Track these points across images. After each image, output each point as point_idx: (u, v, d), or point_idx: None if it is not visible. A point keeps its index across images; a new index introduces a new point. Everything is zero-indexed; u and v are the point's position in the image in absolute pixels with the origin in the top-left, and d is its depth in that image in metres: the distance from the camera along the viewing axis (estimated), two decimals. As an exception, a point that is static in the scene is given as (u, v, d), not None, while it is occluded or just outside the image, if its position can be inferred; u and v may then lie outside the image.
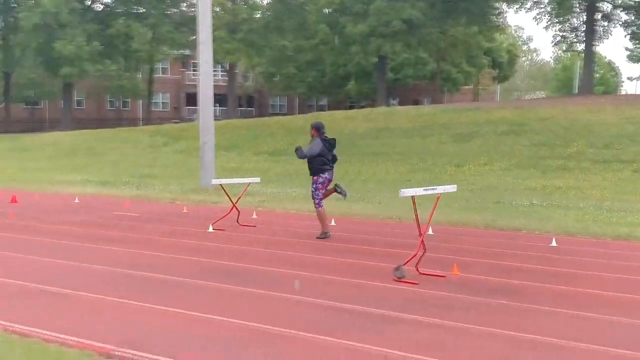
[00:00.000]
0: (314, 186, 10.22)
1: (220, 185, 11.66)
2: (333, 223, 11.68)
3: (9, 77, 52.27)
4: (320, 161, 10.12)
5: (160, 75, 60.18)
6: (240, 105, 59.57)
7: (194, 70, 64.99)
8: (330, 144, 10.23)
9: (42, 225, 11.44)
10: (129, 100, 62.39)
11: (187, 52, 55.78)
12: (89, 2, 50.91)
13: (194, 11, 51.58)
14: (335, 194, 10.50)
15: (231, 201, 11.56)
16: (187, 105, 64.39)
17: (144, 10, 49.30)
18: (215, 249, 9.25)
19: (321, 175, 10.16)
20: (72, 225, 11.51)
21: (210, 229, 10.98)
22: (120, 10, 50.65)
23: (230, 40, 46.03)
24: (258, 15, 50.42)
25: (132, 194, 17.70)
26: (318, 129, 10.24)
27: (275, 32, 47.46)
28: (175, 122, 51.28)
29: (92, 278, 7.17)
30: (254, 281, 7.11)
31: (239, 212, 11.66)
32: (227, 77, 53.59)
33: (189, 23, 49.54)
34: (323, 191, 10.27)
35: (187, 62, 62.31)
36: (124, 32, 46.72)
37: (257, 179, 12.62)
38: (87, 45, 43.56)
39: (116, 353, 4.64)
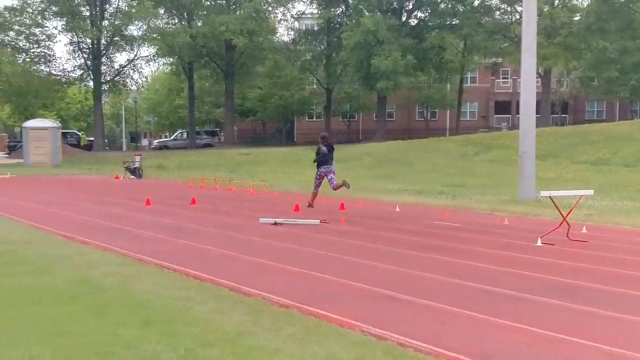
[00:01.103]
0: (317, 175, 15.51)
1: (550, 197, 11.11)
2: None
3: (330, 93, 56.85)
4: (322, 160, 15.35)
5: (469, 84, 60.30)
6: (554, 112, 56.98)
7: (503, 78, 63.98)
8: (328, 149, 15.43)
9: (371, 231, 12.05)
10: (437, 110, 63.60)
11: (498, 59, 55.01)
12: (404, 18, 53.11)
13: (508, 18, 51.10)
14: (343, 187, 15.24)
15: (561, 214, 10.96)
16: (496, 113, 63.55)
17: (457, 21, 49.90)
18: (549, 264, 8.81)
19: (321, 168, 15.36)
20: (398, 232, 11.93)
21: (539, 243, 10.53)
22: (433, 24, 51.97)
23: (548, 45, 44.28)
24: (577, 18, 47.78)
25: (449, 204, 17.86)
26: (322, 138, 15.77)
27: (597, 33, 44.48)
28: (483, 131, 50.92)
29: (428, 286, 7.29)
30: (599, 301, 6.59)
31: (569, 226, 11.00)
32: (541, 83, 51.63)
33: (503, 30, 48.87)
34: (320, 180, 15.43)
35: (497, 70, 61.52)
36: (438, 44, 47.77)
37: (591, 192, 11.83)
38: (402, 60, 45.42)
39: (471, 365, 4.59)
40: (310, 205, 15.34)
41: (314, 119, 65.12)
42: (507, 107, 62.34)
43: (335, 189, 15.43)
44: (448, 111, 61.75)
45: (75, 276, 7.53)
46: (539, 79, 50.81)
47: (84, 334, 5.25)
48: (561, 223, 10.96)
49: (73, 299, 6.41)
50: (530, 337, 5.32)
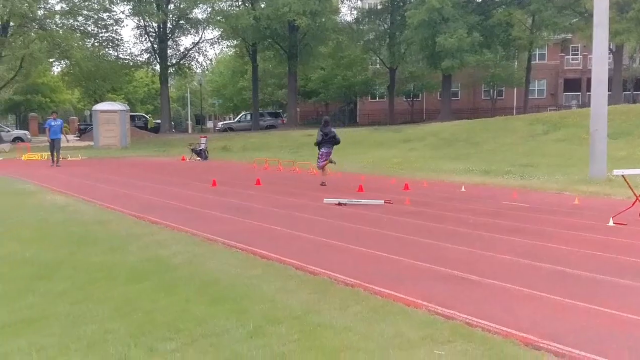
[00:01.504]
0: (319, 155, 17.32)
1: (623, 176, 10.74)
2: None
3: (393, 72, 56.28)
4: (322, 141, 17.15)
5: (537, 61, 58.63)
6: (626, 89, 54.90)
7: (573, 55, 61.98)
8: (325, 133, 17.10)
9: (436, 212, 11.93)
10: (504, 88, 62.20)
11: (568, 36, 53.26)
12: (470, -6, 51.92)
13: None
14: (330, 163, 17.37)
15: (634, 194, 10.60)
16: (565, 91, 61.72)
17: (527, -4, 48.52)
18: (621, 244, 8.54)
19: (322, 149, 17.20)
20: (464, 213, 11.77)
21: (611, 223, 10.21)
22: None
23: (620, 20, 42.56)
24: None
25: (516, 184, 17.51)
26: (325, 122, 17.57)
27: (673, 6, 42.45)
28: (552, 110, 49.55)
29: (496, 267, 7.17)
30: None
31: (643, 205, 10.63)
32: (612, 60, 49.74)
33: (573, 5, 47.22)
34: (322, 159, 17.17)
35: (566, 46, 59.63)
36: (505, 21, 46.58)
37: (668, 170, 11.36)
38: (468, 37, 44.50)
39: (541, 345, 4.51)
40: (323, 182, 16.94)
41: (377, 99, 64.72)
42: (577, 84, 60.48)
43: (321, 167, 17.43)
44: (515, 89, 60.32)
45: (146, 255, 7.73)
46: (611, 55, 49.03)
47: (155, 310, 5.39)
48: (634, 202, 10.61)
49: (144, 277, 6.60)
50: (603, 318, 5.19)
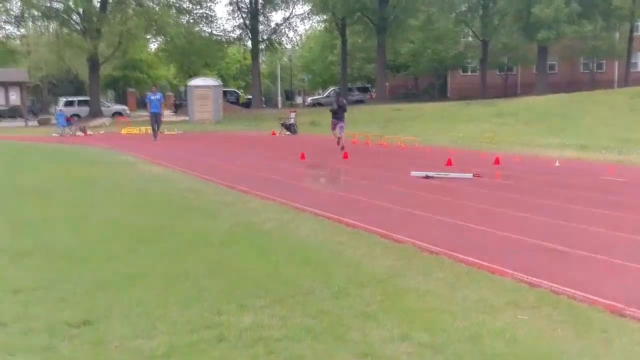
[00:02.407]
0: (332, 122, 20.24)
1: None
2: None
3: (486, 45, 54.88)
4: (335, 112, 19.96)
5: (640, 32, 55.69)
6: None
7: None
8: (339, 106, 19.91)
9: (527, 185, 11.73)
10: (604, 61, 59.44)
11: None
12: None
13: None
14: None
15: None
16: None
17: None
18: None
19: (333, 119, 20.08)
20: (556, 187, 11.52)
21: None
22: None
23: None
24: None
25: (614, 159, 16.89)
26: (337, 96, 21.85)
27: None
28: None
29: (587, 239, 7.06)
30: None
31: None
32: None
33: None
34: (337, 125, 19.82)
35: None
36: (605, -10, 44.54)
37: None
38: (566, 7, 42.78)
39: (627, 312, 4.47)
40: (339, 145, 19.23)
41: (469, 73, 63.32)
42: (683, 55, 57.09)
43: (338, 136, 19.79)
44: (616, 62, 57.54)
45: (238, 221, 8.06)
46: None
47: (247, 271, 5.66)
48: None
49: (237, 241, 6.90)
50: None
